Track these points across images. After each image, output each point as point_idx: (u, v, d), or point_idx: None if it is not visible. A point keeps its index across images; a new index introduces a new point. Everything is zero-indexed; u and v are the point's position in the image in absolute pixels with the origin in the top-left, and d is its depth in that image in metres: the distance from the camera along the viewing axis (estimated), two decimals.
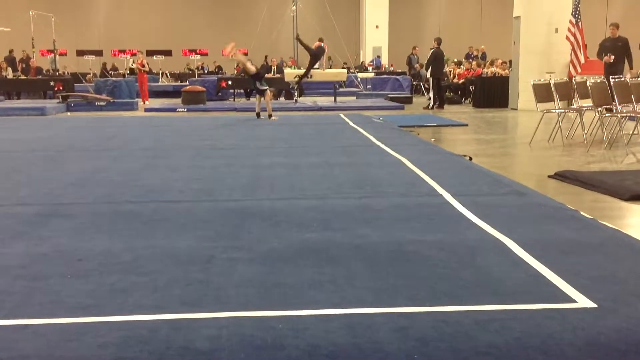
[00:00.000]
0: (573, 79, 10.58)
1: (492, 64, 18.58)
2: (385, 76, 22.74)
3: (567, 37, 13.56)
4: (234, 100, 18.79)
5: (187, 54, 25.98)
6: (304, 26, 21.69)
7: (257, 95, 12.46)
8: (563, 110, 8.95)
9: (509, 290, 2.86)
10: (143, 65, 18.85)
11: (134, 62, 22.34)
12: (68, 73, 23.01)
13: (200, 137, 9.41)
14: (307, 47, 16.32)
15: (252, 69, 12.17)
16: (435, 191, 5.11)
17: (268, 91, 12.17)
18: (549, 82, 9.04)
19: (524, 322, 2.49)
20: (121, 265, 3.27)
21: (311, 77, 16.77)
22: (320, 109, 15.59)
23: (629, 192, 5.17)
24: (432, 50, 16.19)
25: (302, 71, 17.01)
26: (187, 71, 26.86)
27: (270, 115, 12.08)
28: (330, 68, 22.08)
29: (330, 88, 17.96)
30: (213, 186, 5.45)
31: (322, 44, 16.55)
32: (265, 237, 3.78)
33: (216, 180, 5.76)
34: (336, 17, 22.32)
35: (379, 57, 28.05)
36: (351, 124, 10.98)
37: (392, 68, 27.16)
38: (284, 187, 5.41)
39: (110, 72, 25.32)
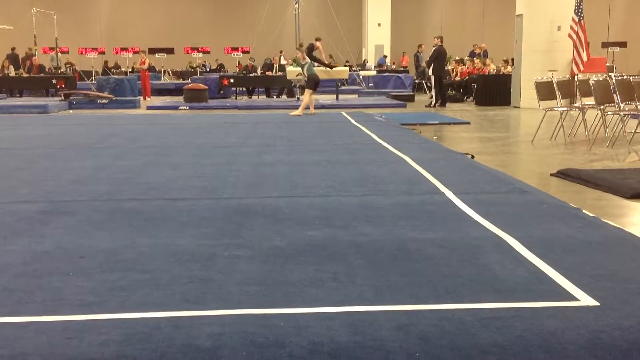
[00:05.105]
0: (575, 77, 10.55)
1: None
2: (387, 74, 22.72)
3: (569, 35, 13.53)
4: (236, 98, 18.79)
5: (190, 51, 25.95)
6: (306, 24, 21.65)
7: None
8: (565, 109, 8.93)
9: (511, 288, 2.86)
10: (144, 64, 19.11)
11: (135, 63, 22.62)
12: (73, 68, 22.99)
13: (202, 135, 9.41)
14: (318, 61, 16.40)
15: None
16: (437, 189, 5.10)
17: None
18: (552, 80, 9.02)
19: (526, 320, 2.48)
20: (123, 262, 3.27)
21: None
22: (323, 106, 15.57)
23: (631, 190, 5.16)
24: (434, 48, 16.16)
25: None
26: (190, 69, 26.82)
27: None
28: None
29: (333, 86, 17.93)
30: (215, 184, 5.45)
31: (315, 43, 16.69)
32: (267, 234, 3.78)
33: (218, 178, 5.75)
34: (338, 14, 22.29)
35: (385, 56, 27.99)
36: (353, 122, 10.97)
37: (394, 66, 27.14)
38: (286, 184, 5.41)
39: (112, 70, 25.31)
